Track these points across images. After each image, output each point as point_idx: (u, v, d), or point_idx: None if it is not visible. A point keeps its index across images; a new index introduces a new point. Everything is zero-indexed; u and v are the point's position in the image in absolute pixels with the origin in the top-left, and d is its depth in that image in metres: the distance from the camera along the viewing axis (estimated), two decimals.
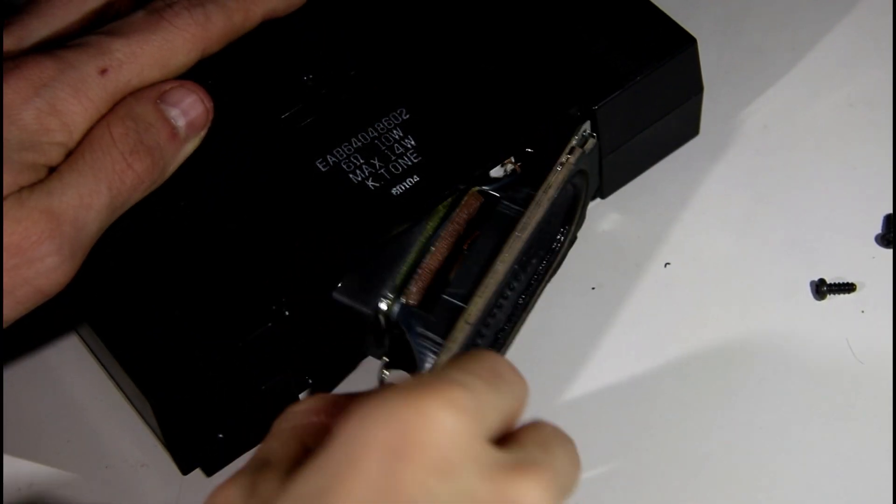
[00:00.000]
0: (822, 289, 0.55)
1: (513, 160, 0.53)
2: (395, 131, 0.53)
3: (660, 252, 0.57)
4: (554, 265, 0.54)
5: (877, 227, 0.56)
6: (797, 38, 0.62)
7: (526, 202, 0.51)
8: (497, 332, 0.51)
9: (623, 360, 0.54)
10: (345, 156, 0.52)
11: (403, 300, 0.49)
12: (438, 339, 0.48)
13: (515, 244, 0.49)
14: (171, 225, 0.51)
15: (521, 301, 0.52)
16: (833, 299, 0.55)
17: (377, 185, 0.52)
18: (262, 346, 0.49)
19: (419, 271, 0.50)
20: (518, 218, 0.50)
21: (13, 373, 0.55)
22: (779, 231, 0.57)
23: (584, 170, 0.52)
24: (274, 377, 0.51)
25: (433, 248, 0.50)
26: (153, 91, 0.49)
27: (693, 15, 0.62)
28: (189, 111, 0.49)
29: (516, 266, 0.50)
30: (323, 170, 0.52)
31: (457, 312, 0.48)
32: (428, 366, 0.48)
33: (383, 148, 0.53)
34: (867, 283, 0.55)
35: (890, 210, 0.57)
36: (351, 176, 0.52)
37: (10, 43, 0.49)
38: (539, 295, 0.53)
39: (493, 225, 0.51)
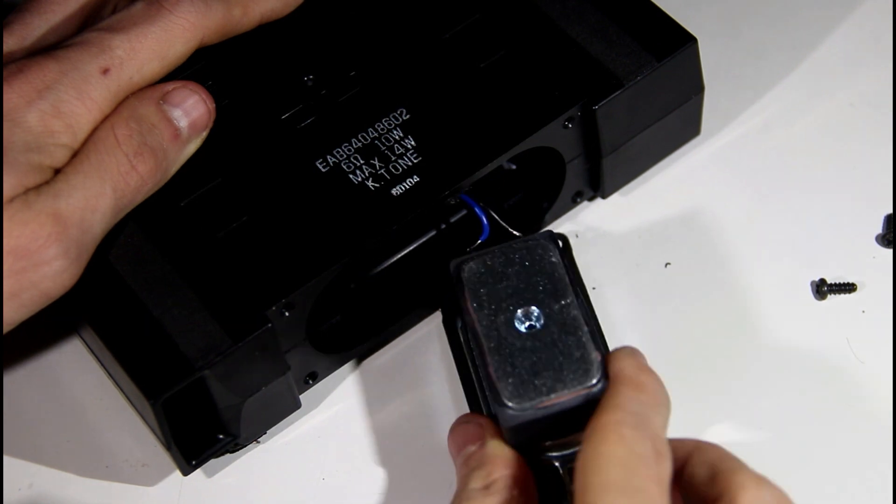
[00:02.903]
0: (822, 289, 0.55)
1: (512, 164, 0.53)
2: (395, 132, 0.53)
3: (660, 252, 0.57)
4: None
5: (877, 227, 0.56)
6: (797, 38, 0.62)
7: None
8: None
9: None
10: (345, 156, 0.52)
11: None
12: None
13: None
14: (171, 225, 0.51)
15: None
16: (833, 299, 0.55)
17: (377, 185, 0.52)
18: (262, 347, 0.49)
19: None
20: None
21: (13, 373, 0.55)
22: (779, 231, 0.57)
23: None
24: (273, 377, 0.51)
25: None
26: (156, 91, 0.49)
27: (693, 15, 0.62)
28: (191, 111, 0.49)
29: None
30: (323, 170, 0.52)
31: None
32: None
33: (383, 148, 0.52)
34: (867, 282, 0.55)
35: (890, 210, 0.57)
36: (351, 176, 0.52)
37: (12, 42, 0.49)
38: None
39: None
